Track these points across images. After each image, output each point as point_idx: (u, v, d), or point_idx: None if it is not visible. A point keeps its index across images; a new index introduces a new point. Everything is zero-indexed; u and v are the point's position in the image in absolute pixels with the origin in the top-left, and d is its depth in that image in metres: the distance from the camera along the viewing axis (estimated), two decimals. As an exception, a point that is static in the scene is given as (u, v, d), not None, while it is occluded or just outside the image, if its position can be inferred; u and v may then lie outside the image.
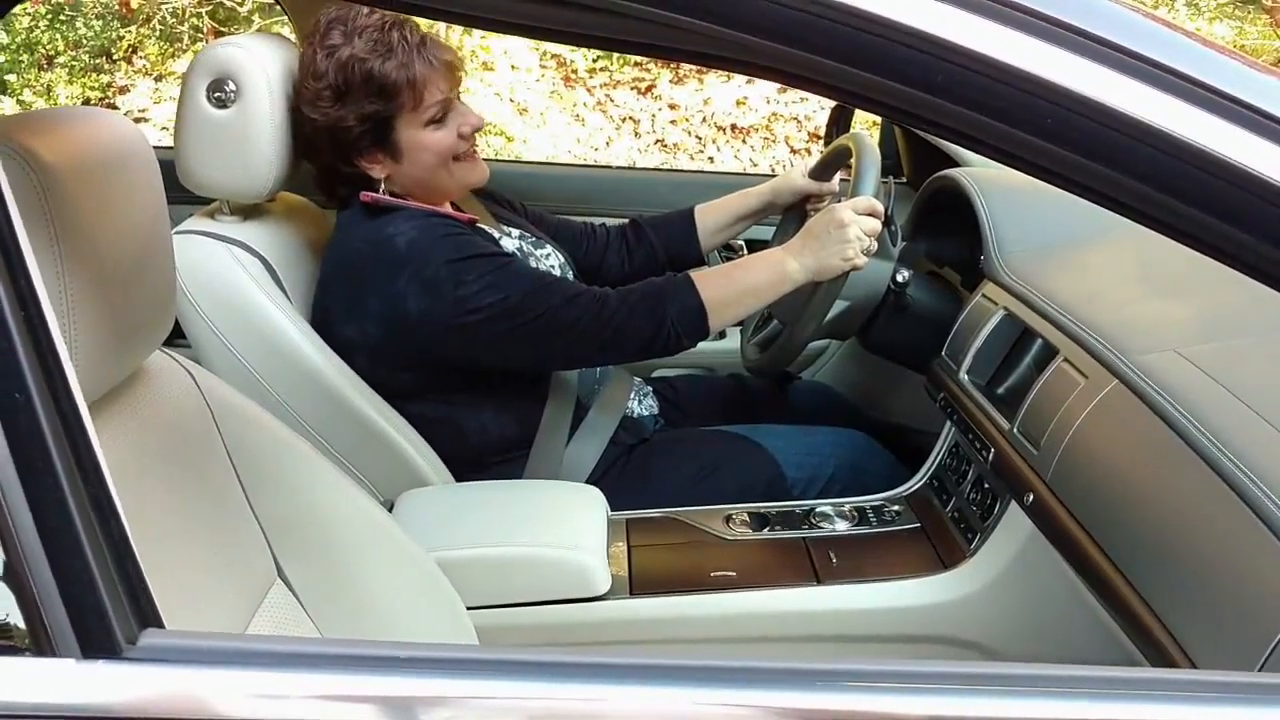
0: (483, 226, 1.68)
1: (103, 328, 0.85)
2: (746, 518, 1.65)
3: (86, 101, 5.56)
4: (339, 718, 0.65)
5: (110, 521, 0.64)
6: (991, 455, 1.45)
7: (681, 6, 0.61)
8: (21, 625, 0.63)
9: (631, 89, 6.11)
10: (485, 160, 1.70)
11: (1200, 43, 0.66)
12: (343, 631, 1.13)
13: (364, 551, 1.18)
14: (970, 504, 1.57)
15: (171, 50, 5.85)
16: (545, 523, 1.53)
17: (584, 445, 1.71)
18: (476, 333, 1.53)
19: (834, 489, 1.75)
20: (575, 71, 6.01)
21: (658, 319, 1.55)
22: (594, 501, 1.59)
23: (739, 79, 6.06)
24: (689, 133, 5.85)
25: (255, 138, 1.52)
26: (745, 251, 2.22)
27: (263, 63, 1.53)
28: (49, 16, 5.70)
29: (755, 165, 5.69)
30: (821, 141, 5.00)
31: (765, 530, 1.63)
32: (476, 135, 1.66)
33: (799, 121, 5.91)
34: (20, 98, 5.53)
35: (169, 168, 1.19)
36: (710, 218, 1.94)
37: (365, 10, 1.56)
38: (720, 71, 5.94)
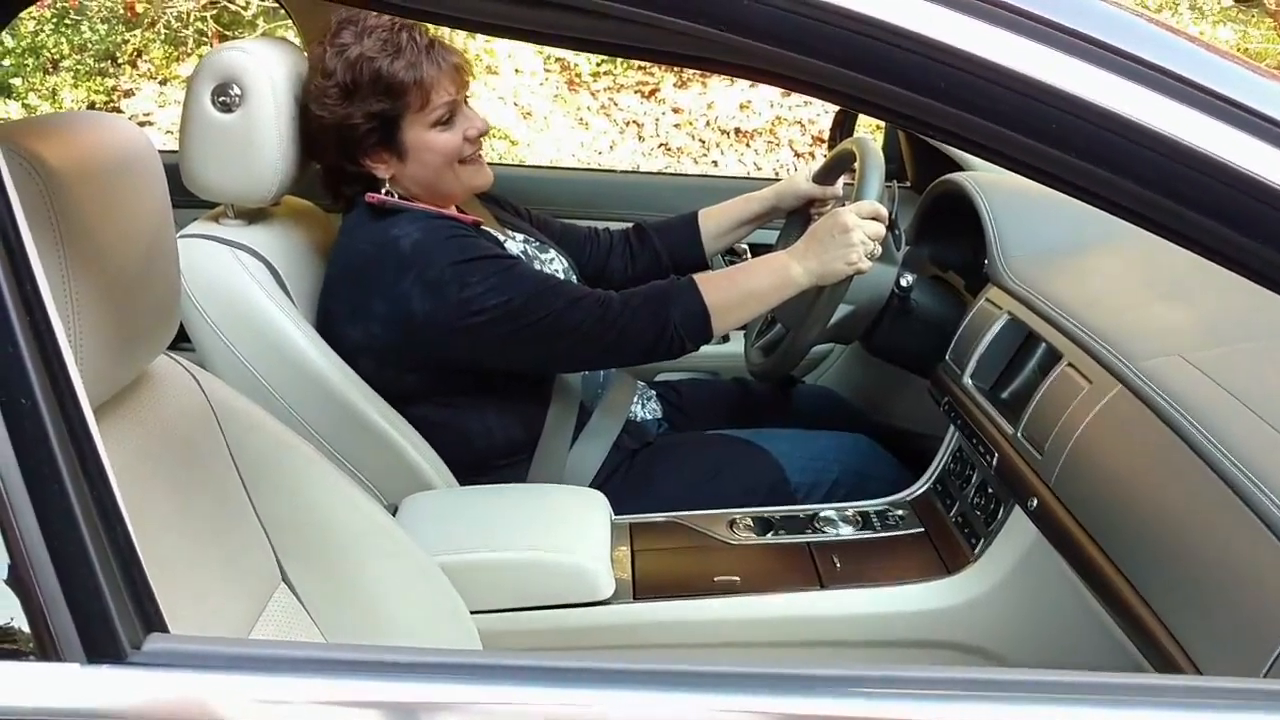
0: (487, 229, 1.69)
1: (108, 332, 0.85)
2: (750, 522, 1.65)
3: (92, 105, 5.57)
4: (343, 722, 0.65)
5: (115, 526, 0.64)
6: (995, 460, 1.45)
7: (684, 12, 0.62)
8: (26, 629, 0.63)
9: (635, 93, 6.11)
10: (490, 164, 1.71)
11: (1203, 47, 0.66)
12: (346, 635, 1.13)
13: (368, 555, 1.18)
14: (974, 508, 1.57)
15: (176, 54, 5.86)
16: (549, 527, 1.53)
17: (587, 449, 1.71)
18: (480, 334, 1.53)
19: (838, 493, 1.75)
20: (579, 75, 6.02)
21: (661, 322, 1.55)
22: (597, 505, 1.59)
23: (743, 83, 6.07)
24: (693, 136, 5.85)
25: (260, 142, 1.53)
26: (749, 256, 2.22)
27: (267, 67, 1.54)
28: (54, 20, 5.71)
29: (759, 169, 5.69)
30: (825, 146, 5.00)
31: (769, 535, 1.63)
32: (482, 139, 1.66)
33: (803, 125, 5.91)
34: (25, 101, 5.54)
35: (174, 172, 1.19)
36: (714, 222, 1.94)
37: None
38: (724, 76, 5.94)
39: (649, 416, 1.89)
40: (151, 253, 0.92)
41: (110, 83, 5.84)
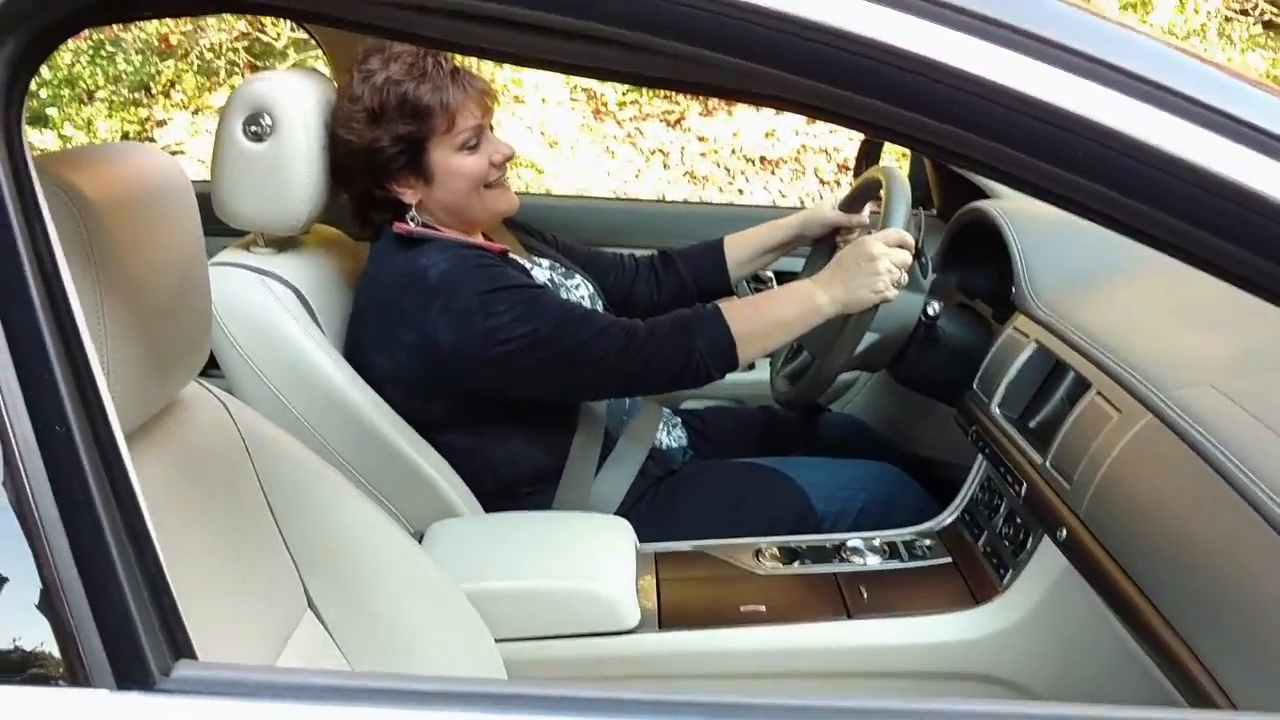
0: (514, 257, 1.70)
1: (140, 360, 0.86)
2: (776, 551, 1.64)
3: (125, 135, 5.65)
4: (369, 751, 0.65)
5: (146, 553, 0.65)
6: (1024, 489, 1.43)
7: (713, 43, 0.62)
8: (56, 655, 0.63)
9: (661, 122, 6.14)
10: (517, 193, 1.72)
11: (1232, 75, 0.66)
12: (372, 663, 1.13)
13: (394, 583, 1.18)
14: (1002, 539, 1.56)
15: (208, 84, 5.94)
16: (574, 555, 1.53)
17: (613, 476, 1.71)
18: (507, 363, 1.54)
19: (864, 523, 1.74)
20: (605, 105, 6.06)
21: (686, 351, 1.55)
22: (623, 534, 1.59)
23: (768, 111, 6.08)
24: (718, 165, 5.87)
25: (290, 171, 1.55)
26: (774, 283, 2.22)
27: (298, 97, 1.56)
28: (90, 52, 5.81)
29: (784, 197, 5.69)
30: (850, 174, 5.00)
31: (795, 564, 1.62)
32: (507, 165, 1.68)
33: (828, 154, 5.92)
34: (61, 131, 5.63)
35: (205, 201, 1.21)
36: (739, 249, 1.95)
37: None
38: (752, 105, 5.95)
39: (674, 444, 1.89)
40: (184, 281, 0.94)
41: (144, 113, 5.93)
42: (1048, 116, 0.62)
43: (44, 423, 0.62)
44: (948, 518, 1.73)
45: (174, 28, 5.68)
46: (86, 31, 5.44)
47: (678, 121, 6.14)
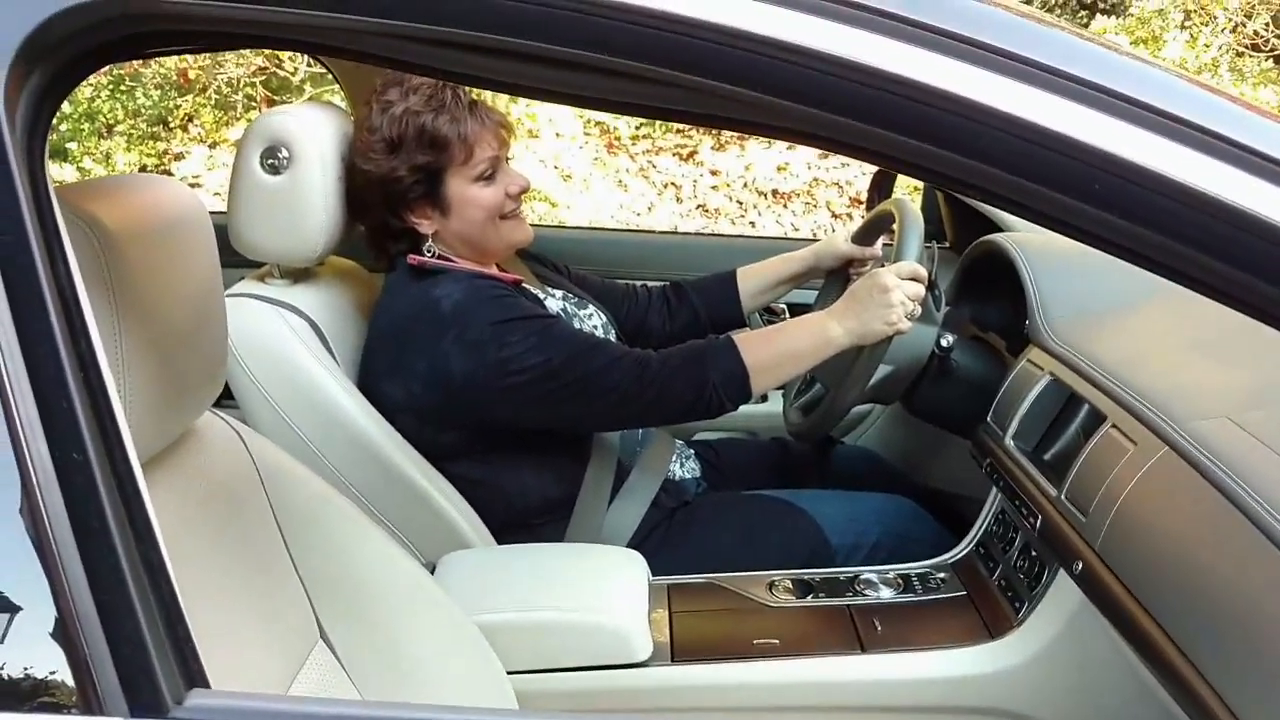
0: (527, 287, 1.71)
1: (156, 389, 0.86)
2: (790, 584, 1.63)
3: (143, 168, 5.71)
4: (381, 781, 0.65)
5: (161, 581, 0.65)
6: (1039, 522, 1.43)
7: (732, 78, 0.63)
8: (70, 682, 0.63)
9: (673, 155, 6.17)
10: (530, 225, 1.73)
11: (1247, 108, 0.66)
12: (383, 694, 1.12)
13: (406, 614, 1.18)
14: (1017, 572, 1.55)
15: (226, 118, 6.01)
16: (586, 587, 1.52)
17: (625, 507, 1.70)
18: (519, 394, 1.54)
19: (878, 556, 1.73)
20: (618, 138, 6.10)
21: (700, 382, 1.55)
22: (635, 566, 1.58)
23: (780, 145, 6.11)
24: (730, 198, 5.89)
25: (306, 203, 1.56)
26: (787, 315, 2.23)
27: (315, 130, 1.57)
28: (110, 87, 5.88)
29: (796, 230, 5.71)
30: (863, 207, 5.01)
31: (809, 597, 1.61)
32: (523, 197, 1.69)
33: (840, 187, 5.94)
34: (80, 165, 5.69)
35: (221, 232, 1.22)
36: (752, 280, 1.95)
37: None
38: (765, 138, 5.98)
39: (687, 475, 1.88)
40: (201, 311, 0.94)
41: (162, 146, 5.99)
42: (1063, 148, 0.62)
43: (62, 450, 0.62)
44: (962, 551, 1.72)
45: (193, 63, 5.75)
46: (107, 66, 5.52)
47: (690, 155, 6.17)
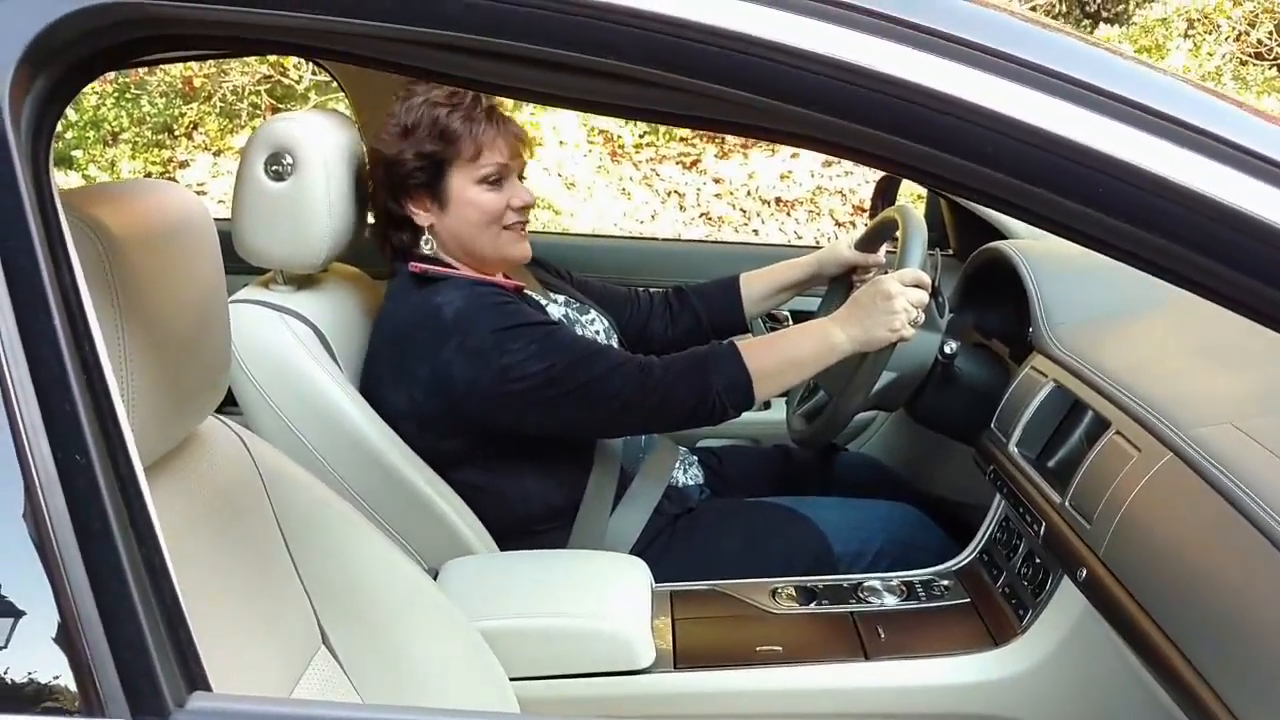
0: (529, 293, 1.71)
1: (159, 394, 0.86)
2: (793, 591, 1.63)
3: (148, 175, 5.73)
4: (382, 786, 0.65)
5: (163, 584, 0.65)
6: (1043, 529, 1.42)
7: (739, 83, 0.63)
8: (71, 687, 0.63)
9: (677, 164, 6.18)
10: (533, 232, 1.73)
11: (1247, 110, 0.66)
12: (385, 700, 1.12)
13: (409, 620, 1.17)
14: (1021, 579, 1.54)
15: (230, 126, 6.03)
16: (589, 594, 1.52)
17: (628, 514, 1.70)
18: (521, 400, 1.54)
19: (882, 563, 1.72)
20: (622, 147, 6.11)
21: (702, 388, 1.55)
22: (638, 572, 1.58)
23: (784, 153, 6.12)
24: (734, 206, 5.90)
25: (310, 209, 1.56)
26: (790, 322, 2.23)
27: (319, 137, 1.58)
28: (115, 95, 5.90)
29: (800, 238, 5.71)
30: (866, 215, 5.01)
31: (812, 604, 1.61)
32: (527, 213, 1.69)
33: (843, 195, 5.95)
34: (85, 172, 5.71)
35: (225, 239, 1.22)
36: (755, 286, 1.95)
37: None
38: (766, 145, 5.98)
39: (690, 482, 1.88)
40: (204, 317, 0.94)
41: (167, 154, 6.01)
42: (1067, 152, 0.62)
43: (65, 452, 0.62)
44: (966, 558, 1.71)
45: (198, 71, 5.78)
46: (112, 74, 5.53)
47: (694, 163, 6.18)
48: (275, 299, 1.61)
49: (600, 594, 1.52)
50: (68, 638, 0.62)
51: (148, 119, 5.95)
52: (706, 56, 0.63)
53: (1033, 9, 5.97)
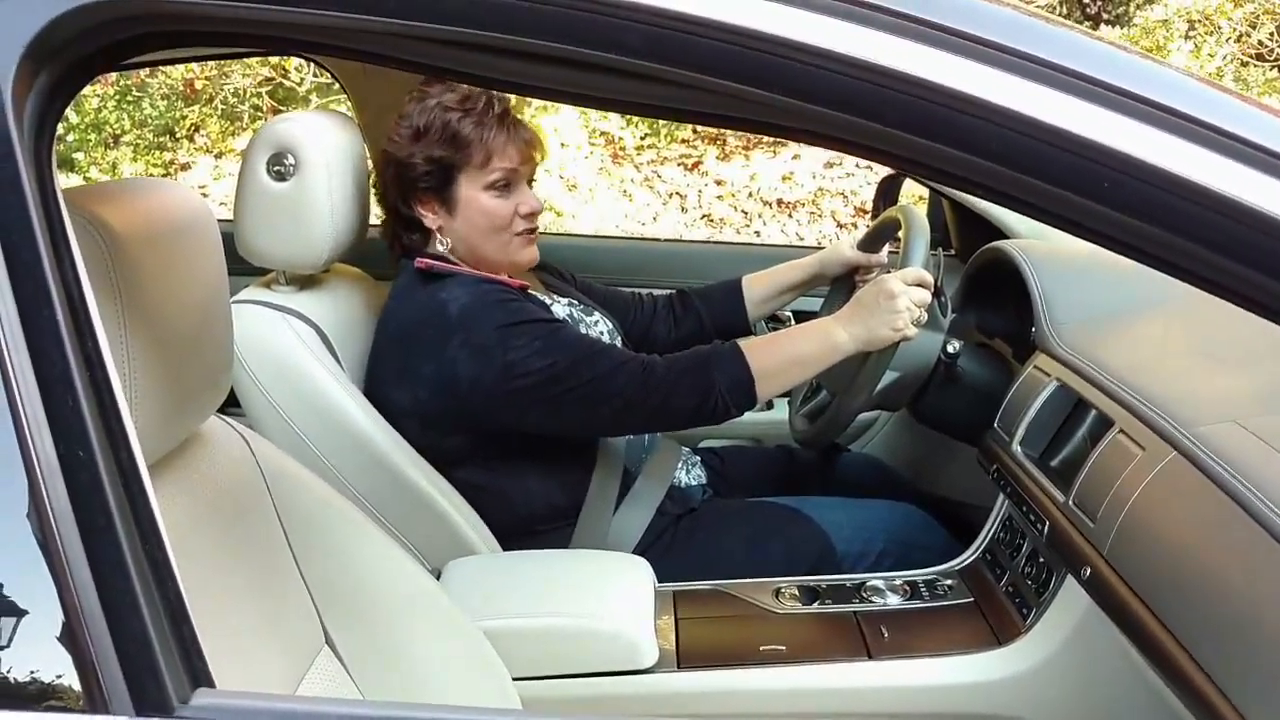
0: (534, 293, 1.71)
1: (162, 392, 0.86)
2: (796, 591, 1.63)
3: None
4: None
5: (166, 581, 0.65)
6: (1046, 528, 1.42)
7: (749, 79, 0.62)
8: (75, 686, 0.63)
9: (678, 165, 6.19)
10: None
11: (1256, 106, 0.66)
12: (388, 699, 1.12)
13: (411, 620, 1.17)
14: (1025, 578, 1.54)
15: (232, 129, 6.03)
16: (592, 593, 1.52)
17: (631, 514, 1.70)
18: (525, 398, 1.54)
19: (884, 563, 1.72)
20: (623, 148, 6.11)
21: (705, 387, 1.55)
22: (641, 572, 1.58)
23: (785, 155, 6.13)
24: (735, 207, 5.90)
25: (312, 210, 1.56)
26: (792, 323, 2.22)
27: (321, 138, 1.58)
28: (117, 97, 5.91)
29: (801, 239, 5.72)
30: (868, 216, 5.01)
31: (815, 604, 1.60)
32: (535, 220, 1.69)
33: (845, 196, 5.95)
34: (87, 175, 5.71)
35: (227, 239, 1.22)
36: (757, 288, 1.95)
37: None
38: (768, 147, 5.98)
39: (693, 482, 1.88)
40: (207, 315, 0.94)
41: (168, 156, 6.02)
42: (1073, 147, 0.62)
43: (67, 447, 0.62)
44: (969, 557, 1.71)
45: (199, 73, 5.78)
46: (114, 76, 5.54)
47: (695, 165, 6.19)
48: (277, 299, 1.61)
49: (603, 594, 1.52)
50: (71, 634, 0.62)
51: (149, 121, 5.96)
52: (715, 53, 0.63)
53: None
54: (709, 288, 1.99)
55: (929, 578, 1.67)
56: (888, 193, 2.46)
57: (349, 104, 2.26)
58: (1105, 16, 6.54)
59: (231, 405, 1.39)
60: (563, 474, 1.68)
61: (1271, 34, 6.13)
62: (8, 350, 0.63)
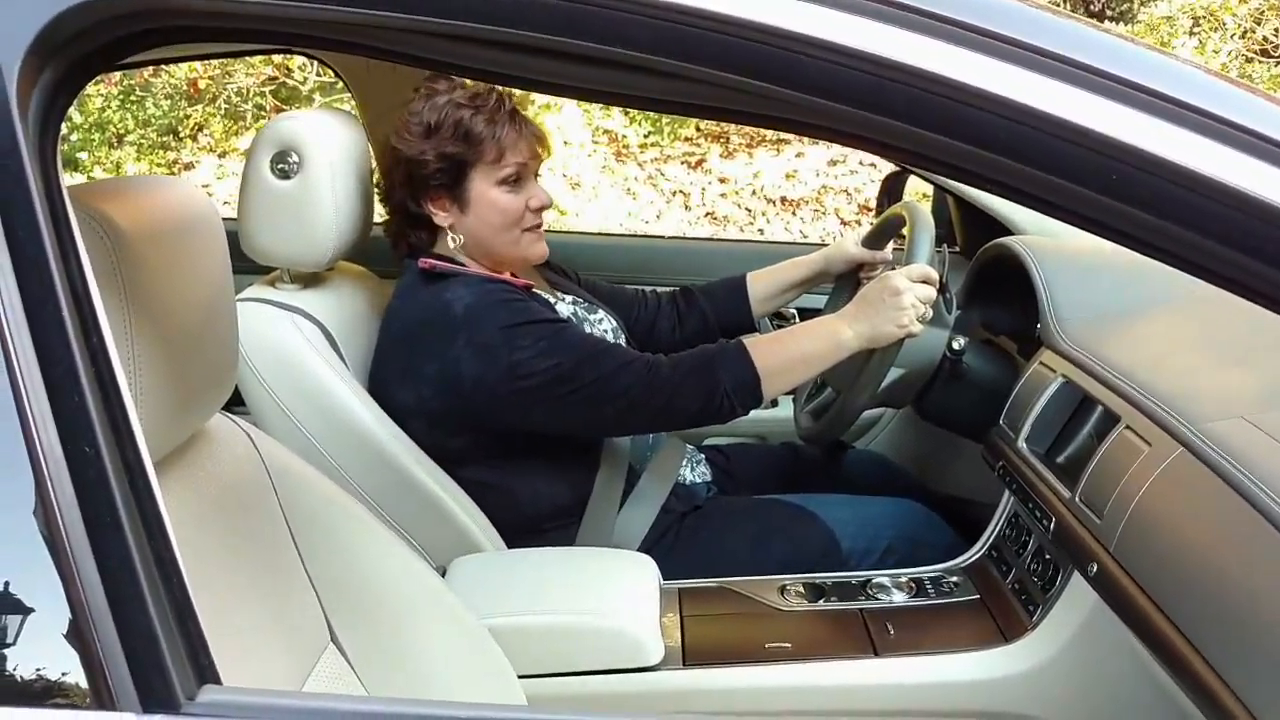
0: (538, 292, 1.70)
1: (167, 389, 0.86)
2: (801, 588, 1.62)
3: (153, 178, 5.73)
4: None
5: (172, 577, 0.64)
6: (1053, 525, 1.42)
7: (757, 72, 0.62)
8: (81, 683, 0.63)
9: (682, 163, 6.18)
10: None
11: (1264, 98, 0.65)
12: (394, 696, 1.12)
13: (417, 617, 1.17)
14: (1031, 575, 1.54)
15: (235, 128, 6.04)
16: (597, 591, 1.52)
17: (636, 512, 1.70)
18: (529, 398, 1.54)
19: (890, 561, 1.72)
20: (627, 146, 6.11)
21: (710, 387, 1.55)
22: (646, 570, 1.57)
23: (789, 152, 6.12)
24: (739, 205, 5.90)
25: (316, 208, 1.56)
26: (797, 320, 2.22)
27: (325, 136, 1.58)
28: (120, 97, 5.92)
29: (805, 237, 5.71)
30: (872, 213, 5.00)
31: (821, 601, 1.60)
32: (543, 214, 1.69)
33: (849, 194, 5.94)
34: (91, 175, 5.72)
35: (232, 238, 1.22)
36: (762, 285, 1.95)
37: None
38: (771, 144, 5.97)
39: (698, 480, 1.88)
40: (211, 313, 0.94)
41: (172, 156, 6.03)
42: (1080, 139, 0.61)
43: (73, 442, 0.62)
44: (975, 554, 1.71)
45: (202, 72, 5.79)
46: (117, 76, 5.55)
47: (699, 163, 6.18)
48: (282, 297, 1.61)
49: (608, 591, 1.52)
50: (77, 631, 0.62)
51: (153, 121, 5.97)
52: (743, 51, 0.62)
53: (1037, 7, 5.95)
54: (713, 285, 1.98)
55: (934, 575, 1.67)
56: (892, 189, 2.46)
57: (352, 103, 2.26)
58: (1109, 13, 6.52)
59: (236, 403, 1.39)
60: (568, 472, 1.68)
61: (1276, 30, 6.12)
62: (13, 347, 0.63)
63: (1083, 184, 0.62)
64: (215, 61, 5.39)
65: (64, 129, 0.71)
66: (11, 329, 0.63)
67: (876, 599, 1.60)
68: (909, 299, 1.54)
